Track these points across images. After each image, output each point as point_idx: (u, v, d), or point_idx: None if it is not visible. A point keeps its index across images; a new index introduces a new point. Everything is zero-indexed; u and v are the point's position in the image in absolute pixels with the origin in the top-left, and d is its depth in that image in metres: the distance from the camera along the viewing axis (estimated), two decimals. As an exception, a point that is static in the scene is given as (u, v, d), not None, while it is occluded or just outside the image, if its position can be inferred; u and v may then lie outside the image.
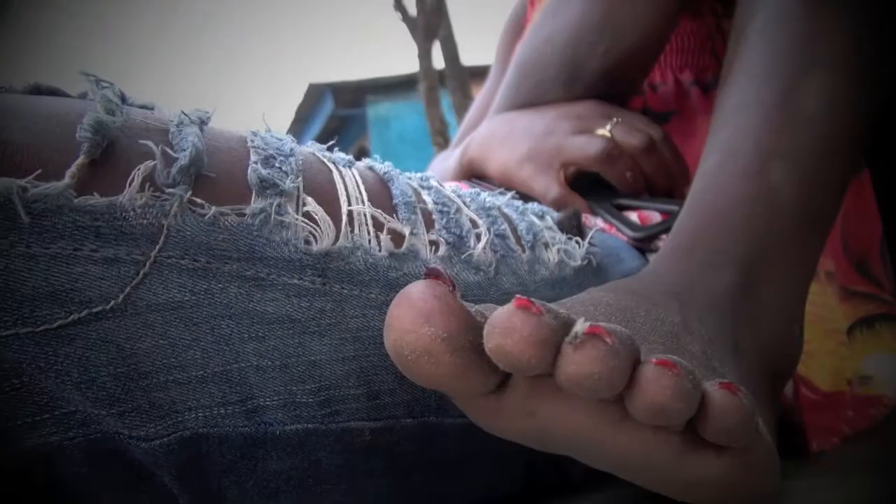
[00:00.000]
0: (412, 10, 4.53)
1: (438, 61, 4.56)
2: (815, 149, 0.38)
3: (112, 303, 0.20)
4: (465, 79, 4.50)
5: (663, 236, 0.44)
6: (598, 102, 0.53)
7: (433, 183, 0.32)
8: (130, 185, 0.21)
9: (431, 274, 0.21)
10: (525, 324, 0.20)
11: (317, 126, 6.60)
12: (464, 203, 0.32)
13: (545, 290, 0.33)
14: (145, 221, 0.21)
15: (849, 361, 0.48)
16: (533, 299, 0.20)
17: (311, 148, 0.30)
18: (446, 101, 4.61)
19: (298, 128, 6.99)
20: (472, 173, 0.62)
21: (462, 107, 4.33)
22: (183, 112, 0.25)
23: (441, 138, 4.12)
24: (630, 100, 0.58)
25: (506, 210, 0.35)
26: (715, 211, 0.37)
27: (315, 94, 6.23)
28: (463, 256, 0.29)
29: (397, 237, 0.27)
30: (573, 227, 0.38)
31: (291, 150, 0.27)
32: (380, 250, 0.26)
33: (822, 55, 0.39)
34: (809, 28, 0.40)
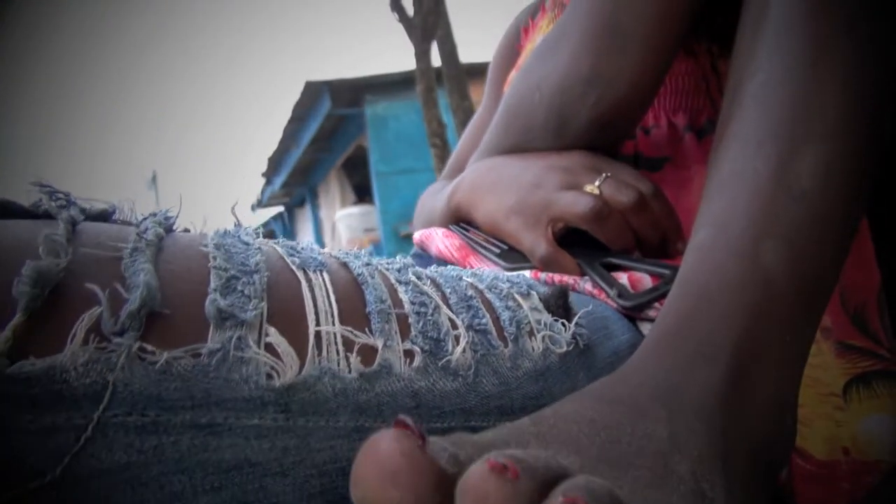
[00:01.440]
0: (409, 9, 4.51)
1: (436, 58, 4.53)
2: (811, 226, 0.36)
3: (49, 476, 0.19)
4: (462, 80, 4.47)
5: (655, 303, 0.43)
6: (586, 154, 0.51)
7: (411, 276, 0.31)
8: (72, 339, 0.20)
9: (400, 424, 0.20)
10: (499, 492, 0.18)
11: (314, 125, 6.57)
12: (443, 296, 0.31)
13: (528, 384, 0.32)
14: (88, 380, 0.19)
15: (845, 428, 0.47)
16: (507, 459, 0.19)
17: (281, 249, 0.28)
18: (444, 102, 4.59)
19: (296, 126, 6.96)
20: (460, 218, 0.61)
21: (459, 108, 4.31)
22: (139, 235, 0.23)
23: (438, 140, 4.10)
24: (622, 144, 0.56)
25: (489, 295, 0.34)
26: (706, 293, 0.35)
27: (312, 91, 6.19)
28: (440, 364, 0.28)
29: (369, 352, 0.26)
30: (559, 307, 0.37)
31: (257, 264, 0.25)
32: (349, 372, 0.25)
33: (818, 124, 0.38)
34: (806, 93, 0.39)
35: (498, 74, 0.90)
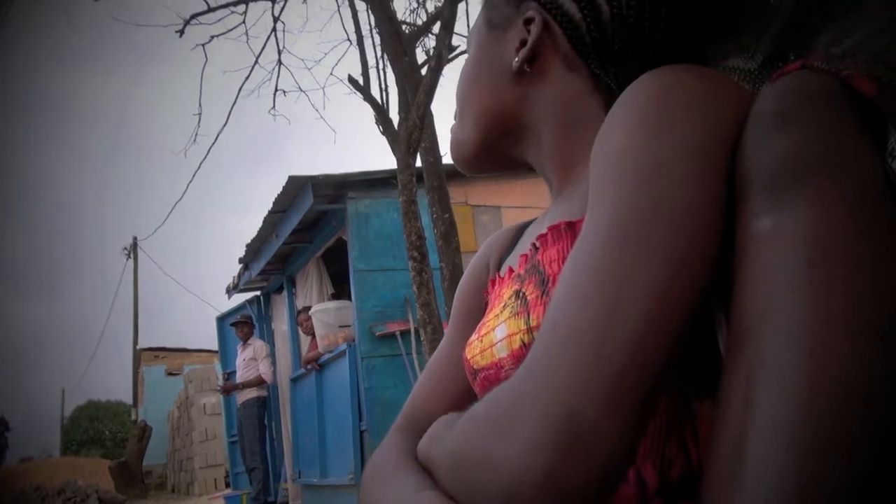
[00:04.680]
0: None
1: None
2: None
3: None
4: (444, 192, 4.49)
5: None
6: None
7: None
8: None
9: None
10: None
11: (295, 218, 6.55)
12: None
13: None
14: None
15: None
16: None
17: None
18: (423, 200, 4.59)
19: (277, 218, 6.93)
20: None
21: (440, 220, 4.31)
22: None
23: (417, 253, 4.06)
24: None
25: None
26: None
27: (295, 186, 6.19)
28: None
29: None
30: None
31: None
32: None
33: None
34: None
35: (462, 311, 0.85)
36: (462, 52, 4.78)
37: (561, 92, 0.71)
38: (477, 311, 0.81)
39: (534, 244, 0.70)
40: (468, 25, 5.42)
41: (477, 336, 0.72)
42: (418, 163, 4.56)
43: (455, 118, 0.82)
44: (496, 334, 0.66)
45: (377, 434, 5.66)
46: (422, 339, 4.19)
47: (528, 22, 0.71)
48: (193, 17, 5.52)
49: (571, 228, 0.62)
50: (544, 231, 0.67)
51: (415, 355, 5.64)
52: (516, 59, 0.72)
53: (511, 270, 0.73)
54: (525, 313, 0.63)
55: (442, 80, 4.56)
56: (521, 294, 0.66)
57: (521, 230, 0.84)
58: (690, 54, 0.73)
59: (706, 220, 0.46)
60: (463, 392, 0.77)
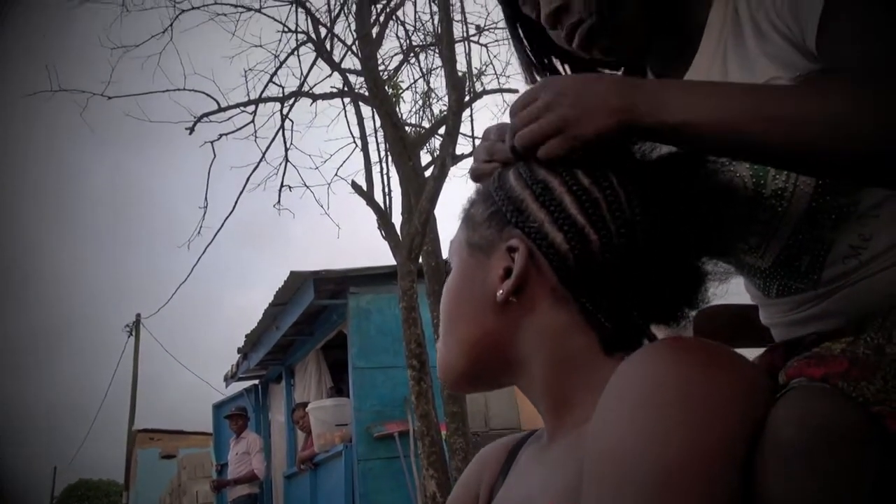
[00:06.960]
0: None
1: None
2: None
3: None
4: (445, 297, 4.42)
5: None
6: None
7: None
8: None
9: None
10: None
11: (296, 311, 6.49)
12: None
13: None
14: None
15: None
16: None
17: None
18: (424, 300, 4.52)
19: (278, 310, 6.88)
20: None
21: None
22: None
23: (416, 361, 3.96)
24: None
25: None
26: None
27: (297, 281, 6.17)
28: None
29: None
30: None
31: None
32: None
33: None
34: None
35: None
36: (467, 156, 4.82)
37: (549, 325, 0.65)
38: None
39: None
40: (472, 129, 5.49)
41: None
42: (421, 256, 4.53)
43: (440, 335, 0.77)
44: None
45: (372, 543, 5.43)
46: (419, 451, 4.05)
47: (511, 250, 0.66)
48: (204, 115, 5.63)
49: None
50: None
51: (413, 458, 5.46)
52: (501, 290, 0.66)
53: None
54: None
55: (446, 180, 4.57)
56: None
57: (514, 450, 0.79)
58: (687, 272, 0.68)
59: None
60: None
